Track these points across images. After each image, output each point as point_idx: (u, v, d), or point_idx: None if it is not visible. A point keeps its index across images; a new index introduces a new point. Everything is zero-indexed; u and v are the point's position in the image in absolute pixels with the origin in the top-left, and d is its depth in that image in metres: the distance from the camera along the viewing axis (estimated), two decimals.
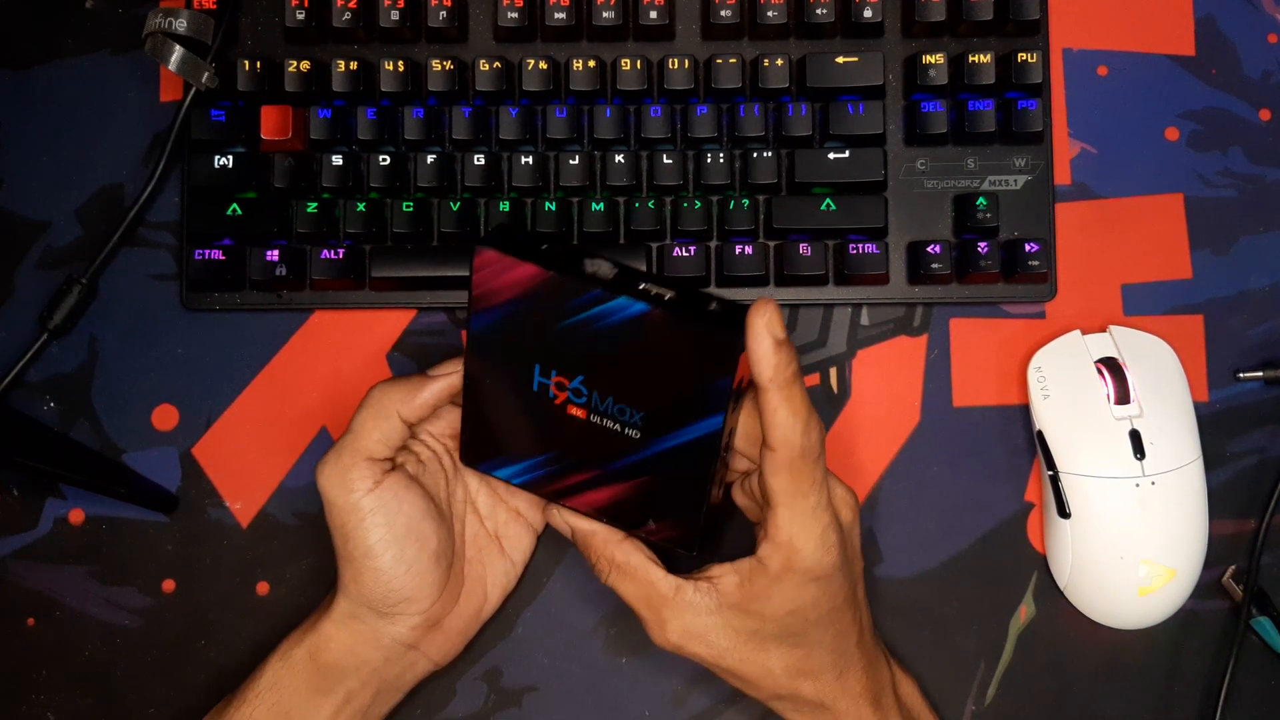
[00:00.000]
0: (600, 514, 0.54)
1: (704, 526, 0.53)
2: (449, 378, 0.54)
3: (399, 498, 0.54)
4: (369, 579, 0.54)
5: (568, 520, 0.55)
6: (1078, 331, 0.62)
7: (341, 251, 0.62)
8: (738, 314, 0.48)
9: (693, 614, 0.53)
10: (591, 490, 0.54)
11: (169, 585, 0.62)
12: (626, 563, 0.54)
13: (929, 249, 0.61)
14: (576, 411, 0.52)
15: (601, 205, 0.62)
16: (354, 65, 0.62)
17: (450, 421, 0.58)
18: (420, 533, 0.55)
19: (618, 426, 0.52)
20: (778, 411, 0.49)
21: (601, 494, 0.54)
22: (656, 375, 0.50)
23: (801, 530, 0.51)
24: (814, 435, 0.50)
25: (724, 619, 0.53)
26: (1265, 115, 0.65)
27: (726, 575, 0.53)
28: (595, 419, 0.52)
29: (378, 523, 0.53)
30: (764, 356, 0.48)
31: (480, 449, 0.55)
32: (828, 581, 0.52)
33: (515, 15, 0.62)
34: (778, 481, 0.50)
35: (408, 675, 0.58)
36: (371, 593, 0.55)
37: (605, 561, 0.54)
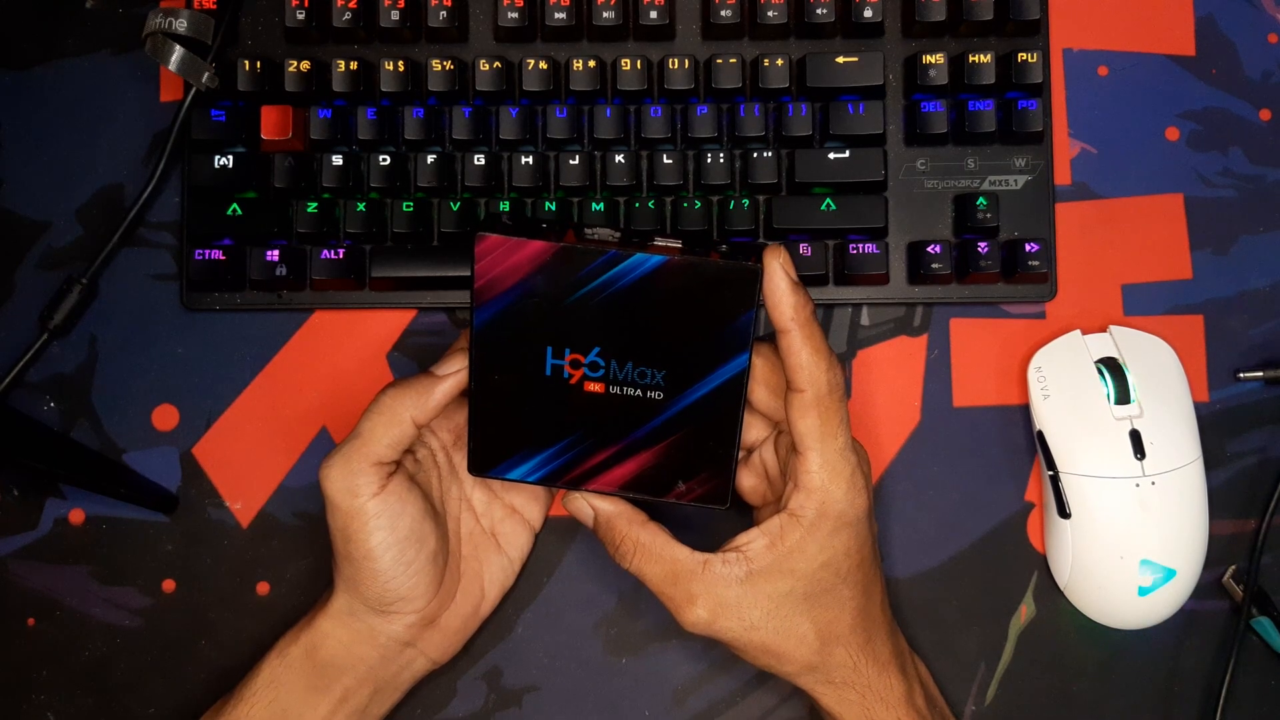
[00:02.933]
0: (625, 489, 0.54)
1: (735, 475, 0.54)
2: (457, 375, 0.54)
3: (402, 500, 0.54)
4: (367, 578, 0.54)
5: (591, 503, 0.55)
6: (1078, 331, 0.62)
7: (341, 251, 0.62)
8: (750, 251, 0.50)
9: (723, 586, 0.53)
10: (615, 466, 0.54)
11: (169, 585, 0.62)
12: (651, 543, 0.54)
13: (929, 249, 0.61)
14: (594, 387, 0.52)
15: (602, 205, 0.62)
16: (354, 65, 0.62)
17: (447, 417, 0.58)
18: (420, 534, 0.55)
19: (640, 392, 0.52)
20: (801, 351, 0.50)
21: (626, 468, 0.54)
22: (677, 327, 0.51)
23: (833, 473, 0.51)
24: (837, 373, 0.51)
25: (755, 587, 0.52)
26: (1265, 115, 0.65)
27: (755, 540, 0.53)
28: (615, 389, 0.52)
29: (381, 526, 0.53)
30: (783, 296, 0.50)
31: (491, 454, 0.55)
32: (857, 528, 0.53)
33: (515, 15, 0.62)
34: (806, 423, 0.51)
35: (405, 674, 0.58)
36: (369, 591, 0.55)
37: (629, 543, 0.54)
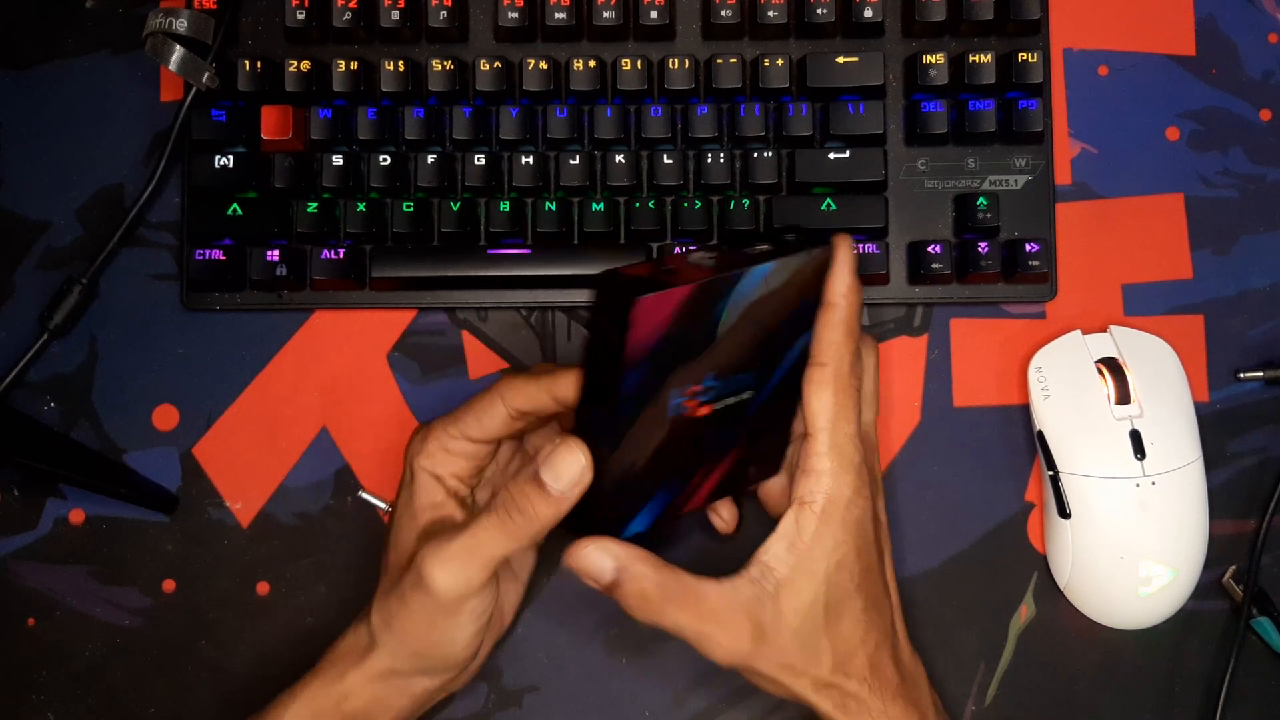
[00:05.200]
0: (712, 497, 0.53)
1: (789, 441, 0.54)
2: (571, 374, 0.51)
3: (494, 589, 0.53)
4: (437, 657, 0.53)
5: (613, 554, 0.50)
6: (1078, 331, 0.62)
7: (342, 251, 0.62)
8: (817, 236, 0.51)
9: (756, 607, 0.50)
10: (707, 479, 0.52)
11: (169, 585, 0.62)
12: (678, 585, 0.51)
13: (929, 249, 0.61)
14: (704, 410, 0.50)
15: (602, 205, 0.62)
16: (354, 65, 0.62)
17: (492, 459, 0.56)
18: (493, 613, 0.54)
19: (735, 398, 0.50)
20: (837, 327, 0.51)
21: (713, 478, 0.52)
22: (771, 325, 0.50)
23: (840, 458, 0.51)
24: (859, 364, 0.52)
25: (783, 603, 0.50)
26: (1265, 115, 0.65)
27: (773, 545, 0.51)
28: (719, 405, 0.50)
29: (477, 617, 0.52)
30: (845, 274, 0.51)
31: (610, 520, 0.51)
32: (863, 527, 0.52)
33: (515, 15, 0.62)
34: (821, 401, 0.51)
35: (427, 707, 0.57)
36: (428, 664, 0.53)
37: (659, 591, 0.50)
